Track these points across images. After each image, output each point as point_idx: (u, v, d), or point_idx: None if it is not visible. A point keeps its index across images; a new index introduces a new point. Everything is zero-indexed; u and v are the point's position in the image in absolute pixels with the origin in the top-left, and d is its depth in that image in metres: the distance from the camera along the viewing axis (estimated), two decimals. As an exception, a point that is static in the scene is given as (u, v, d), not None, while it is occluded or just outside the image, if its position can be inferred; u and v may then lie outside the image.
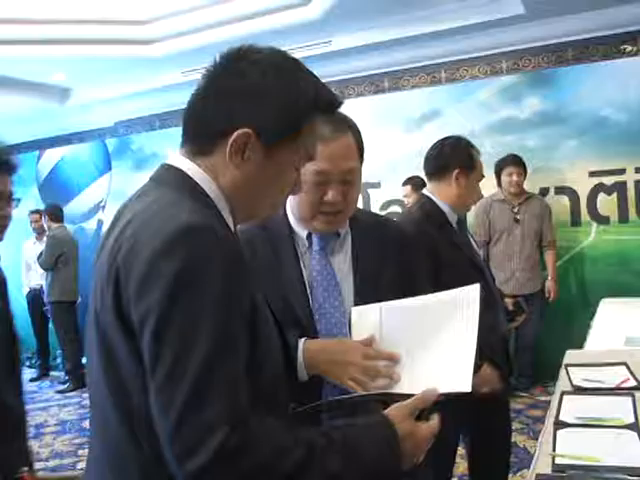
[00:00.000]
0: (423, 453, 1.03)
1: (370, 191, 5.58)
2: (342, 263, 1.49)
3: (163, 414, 0.83)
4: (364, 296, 1.42)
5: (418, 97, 5.60)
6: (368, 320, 1.30)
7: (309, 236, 1.51)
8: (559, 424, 1.55)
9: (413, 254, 1.58)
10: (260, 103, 0.98)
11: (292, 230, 1.52)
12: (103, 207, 7.18)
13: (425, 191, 2.46)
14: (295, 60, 1.04)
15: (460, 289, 1.23)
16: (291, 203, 1.49)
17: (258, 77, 0.98)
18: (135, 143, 7.08)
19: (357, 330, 1.32)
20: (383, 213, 5.50)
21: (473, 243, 2.52)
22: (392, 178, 5.37)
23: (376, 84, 6.23)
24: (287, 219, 1.53)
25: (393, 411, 1.02)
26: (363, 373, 1.22)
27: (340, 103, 1.09)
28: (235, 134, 0.97)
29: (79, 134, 7.90)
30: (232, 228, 1.05)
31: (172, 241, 0.86)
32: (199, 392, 0.82)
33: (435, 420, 1.05)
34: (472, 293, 1.20)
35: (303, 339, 1.33)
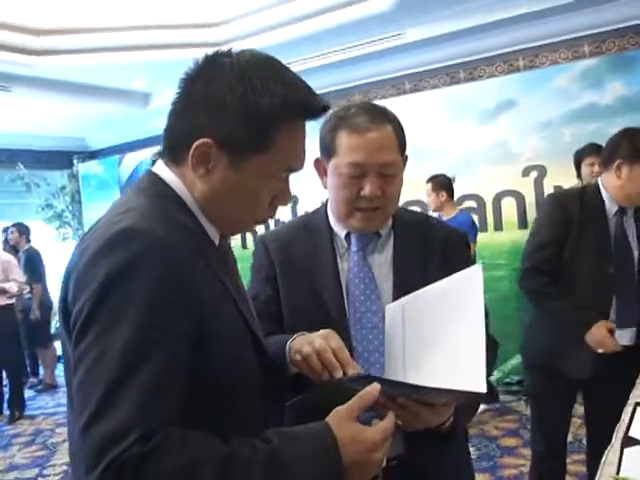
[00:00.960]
0: (377, 456, 0.92)
1: (444, 186, 5.42)
2: (382, 265, 1.41)
3: (78, 418, 0.81)
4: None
5: (492, 87, 5.38)
6: (394, 317, 1.24)
7: (348, 236, 1.43)
8: (628, 441, 1.43)
9: (460, 257, 1.44)
10: (220, 112, 0.94)
11: (332, 230, 1.45)
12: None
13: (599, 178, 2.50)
14: (269, 63, 0.98)
15: (462, 272, 1.15)
16: (330, 200, 1.43)
17: (221, 84, 0.94)
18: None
19: (388, 329, 1.25)
20: (458, 209, 5.36)
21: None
22: (466, 172, 5.20)
23: (451, 75, 6.07)
24: (327, 218, 1.46)
25: (332, 416, 0.93)
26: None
27: (323, 107, 1.00)
28: (194, 145, 0.94)
29: (158, 137, 8.12)
30: (215, 237, 1.02)
31: (108, 245, 0.86)
32: (109, 398, 0.79)
33: (384, 421, 0.96)
34: (474, 275, 1.12)
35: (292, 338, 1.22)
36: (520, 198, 5.06)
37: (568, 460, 2.66)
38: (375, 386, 0.95)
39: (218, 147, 0.94)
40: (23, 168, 7.42)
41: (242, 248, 6.25)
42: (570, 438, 2.74)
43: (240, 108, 0.93)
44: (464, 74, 5.99)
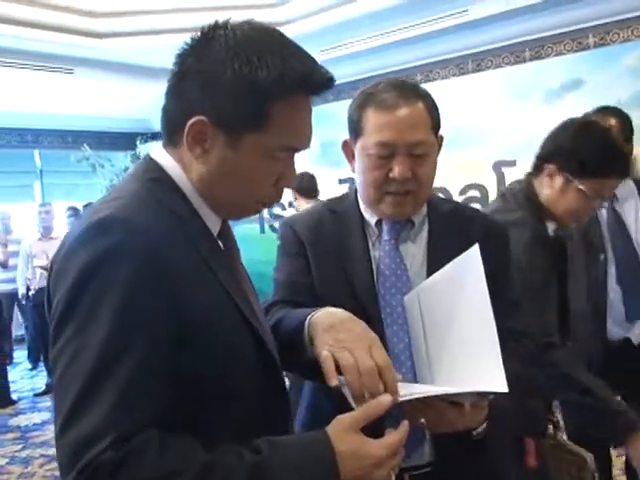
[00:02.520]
0: (381, 473, 0.85)
1: (505, 170, 5.22)
2: (416, 255, 1.32)
3: (56, 420, 0.78)
4: None
5: (559, 66, 5.14)
6: (413, 308, 1.17)
7: (378, 223, 1.34)
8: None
9: (499, 249, 1.34)
10: (215, 88, 0.88)
11: (362, 216, 1.36)
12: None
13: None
14: (268, 35, 0.92)
15: (461, 256, 1.08)
16: (358, 184, 1.34)
17: (214, 58, 0.88)
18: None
19: (410, 321, 1.19)
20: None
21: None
22: (529, 155, 4.98)
23: (516, 54, 5.84)
24: (357, 204, 1.37)
25: (333, 426, 0.87)
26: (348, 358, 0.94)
27: (327, 80, 0.92)
28: (188, 123, 0.89)
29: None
30: (214, 224, 0.97)
31: (85, 235, 0.82)
32: (84, 400, 0.76)
33: (393, 434, 0.88)
34: (473, 257, 1.04)
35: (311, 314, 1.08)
36: (585, 183, 4.84)
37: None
38: (386, 397, 0.88)
39: (214, 125, 0.89)
40: (88, 149, 7.63)
41: (260, 233, 6.22)
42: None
43: (235, 83, 0.87)
44: (530, 53, 5.75)
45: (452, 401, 1.03)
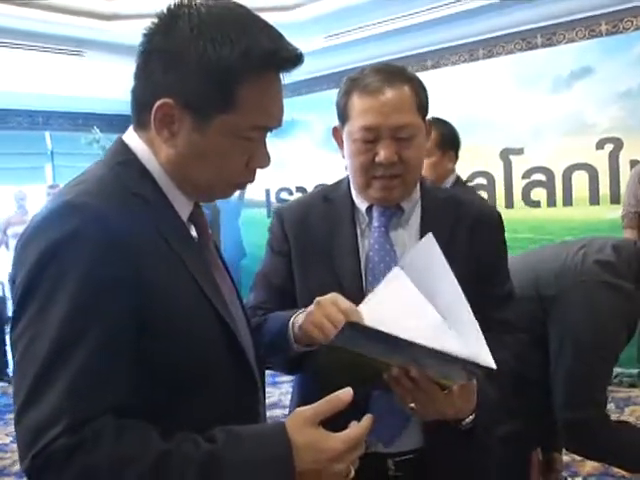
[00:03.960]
0: (338, 467, 0.84)
1: (512, 158, 5.23)
2: (407, 243, 1.32)
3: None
4: None
5: (569, 53, 5.11)
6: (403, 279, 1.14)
7: (369, 210, 1.34)
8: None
9: (491, 236, 1.35)
10: (179, 68, 0.85)
11: (353, 203, 1.36)
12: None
13: None
14: (233, 12, 0.89)
15: (415, 246, 1.15)
16: (348, 170, 1.34)
17: (178, 37, 0.86)
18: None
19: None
20: (525, 182, 5.17)
21: None
22: (536, 144, 5.00)
23: (527, 40, 5.78)
24: (349, 190, 1.38)
25: (292, 418, 0.86)
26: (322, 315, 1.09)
27: (295, 56, 0.90)
28: (155, 105, 0.87)
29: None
30: (184, 207, 0.95)
31: (45, 221, 0.82)
32: (39, 386, 0.76)
33: (354, 428, 0.86)
34: (429, 245, 1.09)
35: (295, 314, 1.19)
36: (593, 172, 4.83)
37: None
38: (346, 392, 0.86)
39: (181, 107, 0.87)
40: (98, 131, 7.65)
41: (267, 217, 6.25)
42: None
43: (200, 63, 0.85)
44: (541, 39, 5.70)
45: (441, 385, 1.04)
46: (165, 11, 0.90)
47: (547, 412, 1.72)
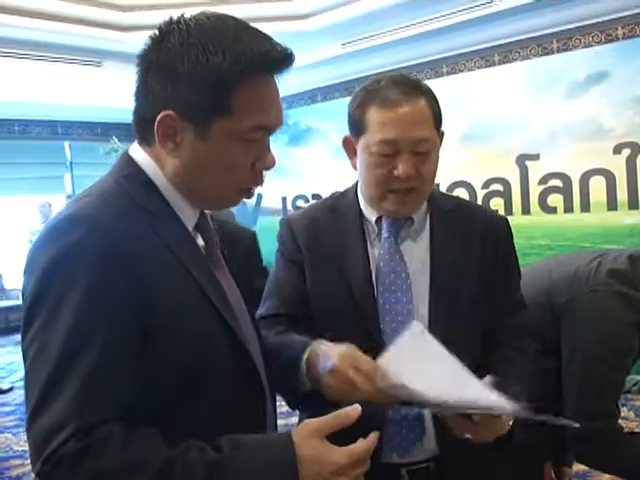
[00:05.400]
0: (342, 479, 0.84)
1: (528, 164, 5.19)
2: (417, 253, 1.31)
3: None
4: (440, 293, 1.26)
5: (585, 58, 5.07)
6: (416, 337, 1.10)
7: (378, 220, 1.33)
8: None
9: (501, 243, 1.34)
10: (176, 81, 0.89)
11: (362, 214, 1.35)
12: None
13: None
14: (222, 22, 0.92)
15: (402, 337, 1.06)
16: (360, 182, 1.34)
17: (172, 52, 0.89)
18: (291, 118, 7.20)
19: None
20: (542, 188, 5.14)
21: None
22: (552, 149, 4.97)
23: (543, 46, 5.75)
24: (357, 201, 1.37)
25: (298, 430, 0.87)
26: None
27: (285, 56, 0.93)
28: (157, 119, 0.90)
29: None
30: (190, 217, 0.98)
31: (51, 233, 0.86)
32: (49, 392, 0.78)
33: (360, 443, 0.87)
34: (417, 333, 1.05)
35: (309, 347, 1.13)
36: (610, 177, 4.78)
37: None
38: (355, 408, 0.87)
39: (181, 118, 0.90)
40: (117, 141, 7.74)
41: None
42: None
43: (193, 73, 0.88)
44: (557, 44, 5.67)
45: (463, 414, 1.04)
46: (157, 30, 0.93)
47: None
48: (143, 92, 0.94)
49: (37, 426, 0.78)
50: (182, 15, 0.94)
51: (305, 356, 1.11)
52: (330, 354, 1.06)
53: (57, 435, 0.76)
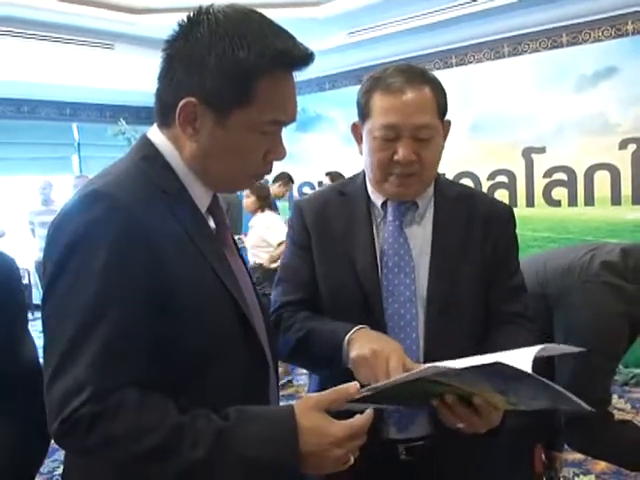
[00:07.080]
0: (338, 452, 0.90)
1: (534, 156, 5.22)
2: (420, 237, 1.36)
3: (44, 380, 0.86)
4: (440, 276, 1.31)
5: (594, 53, 5.08)
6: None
7: (384, 204, 1.38)
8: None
9: (504, 230, 1.39)
10: (201, 70, 0.93)
11: (369, 198, 1.40)
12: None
13: None
14: (248, 17, 0.97)
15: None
16: (365, 166, 1.38)
17: (199, 42, 0.94)
18: (299, 104, 7.19)
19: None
20: (547, 181, 5.17)
21: None
22: (558, 143, 4.99)
23: (552, 39, 5.75)
24: (365, 186, 1.42)
25: (300, 403, 0.93)
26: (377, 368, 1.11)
27: (306, 55, 0.97)
28: (179, 105, 0.94)
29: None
30: (204, 199, 1.03)
31: (73, 208, 0.91)
32: (67, 357, 0.84)
33: (357, 418, 0.92)
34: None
35: (354, 329, 1.21)
36: (615, 172, 4.81)
37: None
38: (353, 385, 0.93)
39: (203, 105, 0.94)
40: (125, 123, 7.77)
41: (289, 210, 6.32)
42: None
43: (219, 64, 0.93)
44: (567, 38, 5.67)
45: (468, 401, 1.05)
46: (186, 19, 0.98)
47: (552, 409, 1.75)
48: (166, 77, 0.98)
49: (56, 388, 0.84)
50: (211, 5, 0.98)
51: (347, 337, 1.20)
52: (364, 345, 1.16)
53: (75, 398, 0.82)
